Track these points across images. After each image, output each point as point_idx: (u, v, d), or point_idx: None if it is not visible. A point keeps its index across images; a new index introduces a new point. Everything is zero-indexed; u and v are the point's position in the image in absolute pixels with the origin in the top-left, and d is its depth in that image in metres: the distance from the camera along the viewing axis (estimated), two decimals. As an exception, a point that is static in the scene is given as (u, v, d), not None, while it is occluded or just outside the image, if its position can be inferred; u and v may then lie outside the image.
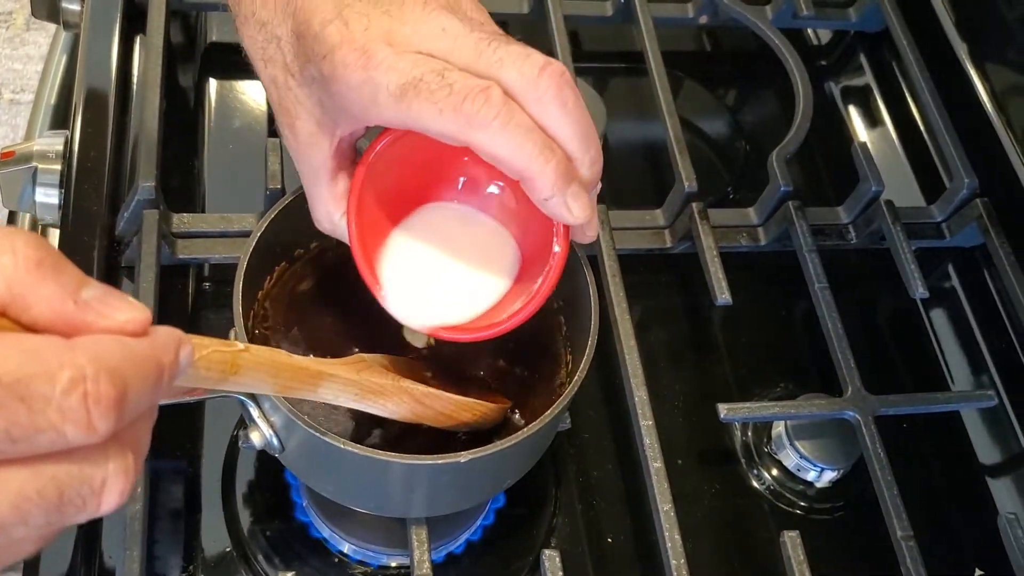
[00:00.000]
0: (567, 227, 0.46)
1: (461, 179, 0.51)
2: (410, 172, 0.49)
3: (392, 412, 0.47)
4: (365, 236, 0.48)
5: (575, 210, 0.42)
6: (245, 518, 0.58)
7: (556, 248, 0.46)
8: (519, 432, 0.47)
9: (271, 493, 0.59)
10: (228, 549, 0.57)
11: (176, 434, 0.60)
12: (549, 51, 0.75)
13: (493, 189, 0.51)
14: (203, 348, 0.34)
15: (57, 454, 0.27)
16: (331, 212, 0.48)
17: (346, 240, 0.48)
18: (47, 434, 0.26)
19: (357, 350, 0.52)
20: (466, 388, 0.52)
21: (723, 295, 0.65)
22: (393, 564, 0.58)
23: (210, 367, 0.35)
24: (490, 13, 0.80)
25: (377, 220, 0.49)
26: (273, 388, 0.40)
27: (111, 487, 0.28)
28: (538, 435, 0.48)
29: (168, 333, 0.30)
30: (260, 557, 0.57)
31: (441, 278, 0.50)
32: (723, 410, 0.60)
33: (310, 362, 0.43)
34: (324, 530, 0.57)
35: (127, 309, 0.29)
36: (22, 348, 0.26)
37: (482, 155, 0.41)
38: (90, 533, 0.56)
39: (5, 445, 0.25)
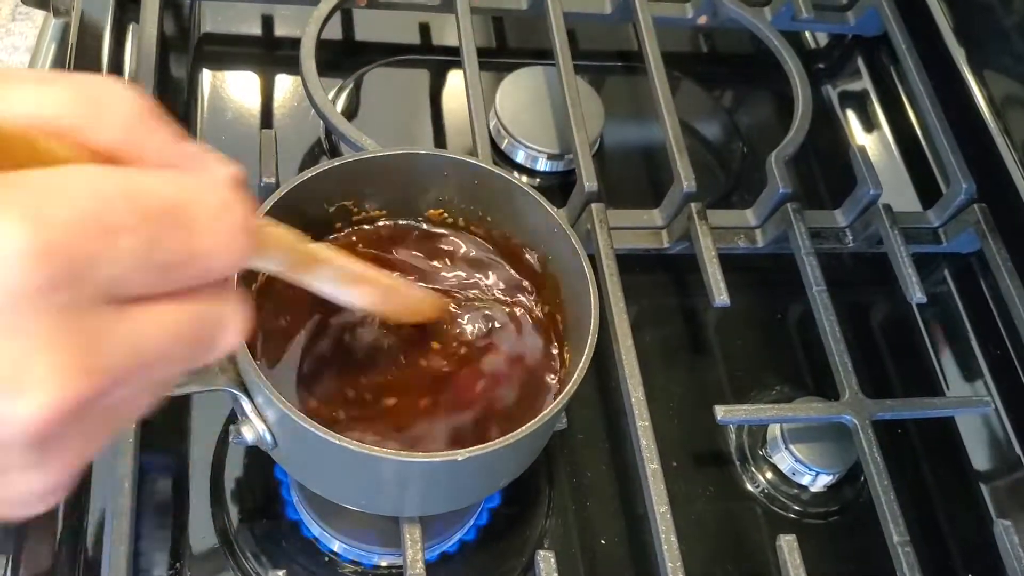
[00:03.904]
0: None
1: None
2: None
3: (358, 301, 0.47)
4: None
5: None
6: (234, 515, 0.57)
7: None
8: (517, 431, 0.46)
9: (261, 490, 0.58)
10: (216, 547, 0.56)
11: (164, 429, 0.59)
12: (548, 49, 0.74)
13: None
14: None
15: (196, 289, 0.27)
16: None
17: None
18: (200, 261, 0.26)
19: (351, 347, 0.52)
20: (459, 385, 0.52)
21: (721, 296, 0.64)
22: (384, 564, 0.57)
23: None
24: (489, 10, 0.80)
25: None
26: (283, 266, 0.40)
27: (234, 323, 0.28)
28: (535, 434, 0.47)
29: None
30: (249, 555, 0.56)
31: None
32: (720, 412, 0.60)
33: (314, 247, 0.43)
34: (315, 528, 0.56)
35: (225, 163, 0.29)
36: (166, 179, 0.26)
37: None
38: (74, 529, 0.55)
39: (163, 276, 0.25)
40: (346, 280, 0.46)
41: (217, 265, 0.26)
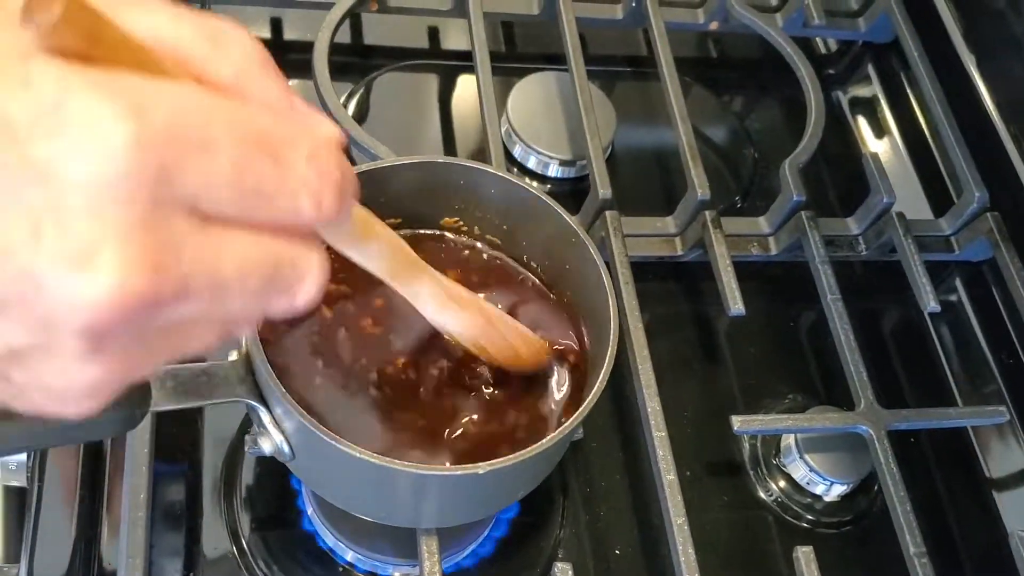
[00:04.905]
0: None
1: None
2: None
3: (461, 327, 0.46)
4: None
5: None
6: (248, 525, 0.57)
7: None
8: (537, 444, 0.46)
9: (275, 500, 0.58)
10: (230, 557, 0.56)
11: (178, 438, 0.59)
12: (559, 54, 0.74)
13: None
14: None
15: (280, 229, 0.26)
16: None
17: None
18: (284, 200, 0.26)
19: (371, 359, 0.51)
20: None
21: (736, 305, 0.64)
22: (399, 575, 0.56)
23: (355, 219, 0.35)
24: (500, 15, 0.80)
25: None
26: (386, 268, 0.40)
27: (313, 277, 0.28)
28: (555, 446, 0.47)
29: None
30: (263, 565, 0.56)
31: None
32: (736, 422, 0.60)
33: (418, 257, 0.42)
34: (330, 539, 0.56)
35: (332, 124, 0.29)
36: (269, 115, 0.26)
37: None
38: (88, 537, 0.54)
39: (248, 203, 0.25)
40: (449, 303, 0.45)
41: (304, 207, 0.26)
